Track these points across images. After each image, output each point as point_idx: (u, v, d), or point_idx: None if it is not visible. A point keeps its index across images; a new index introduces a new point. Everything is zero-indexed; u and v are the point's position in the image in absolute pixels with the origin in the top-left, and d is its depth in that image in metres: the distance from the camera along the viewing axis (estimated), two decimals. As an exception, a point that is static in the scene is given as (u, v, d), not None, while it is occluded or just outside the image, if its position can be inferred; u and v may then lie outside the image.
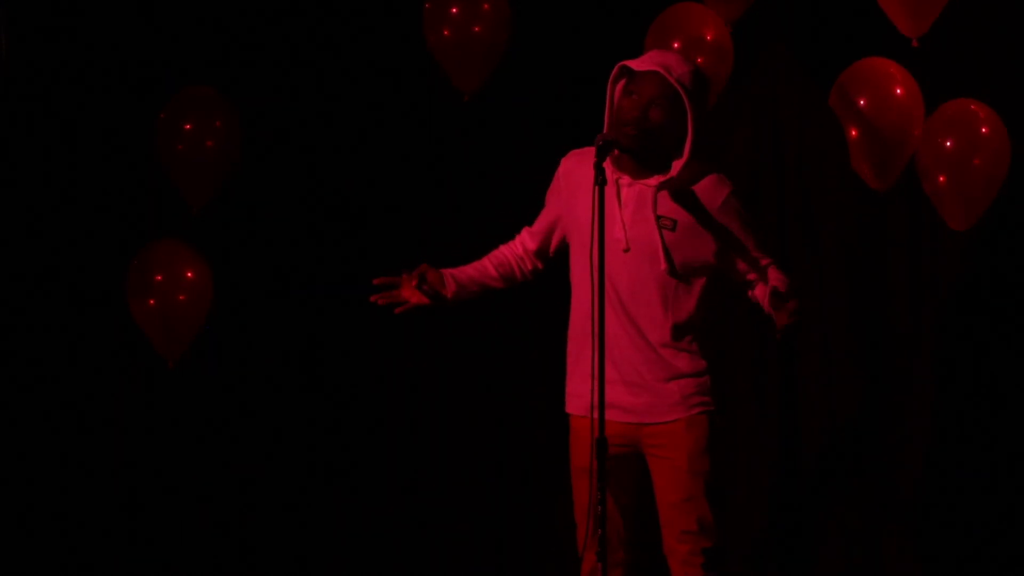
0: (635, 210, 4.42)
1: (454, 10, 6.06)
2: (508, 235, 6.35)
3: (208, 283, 6.23)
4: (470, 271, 4.71)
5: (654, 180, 4.42)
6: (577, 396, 4.52)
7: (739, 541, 6.09)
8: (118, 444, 6.53)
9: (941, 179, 5.71)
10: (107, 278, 6.37)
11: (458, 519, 6.47)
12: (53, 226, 6.47)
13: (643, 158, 4.42)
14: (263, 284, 6.55)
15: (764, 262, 4.52)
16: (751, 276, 4.53)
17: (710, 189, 4.43)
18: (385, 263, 6.48)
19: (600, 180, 4.23)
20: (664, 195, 4.42)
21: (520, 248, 4.72)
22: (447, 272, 4.66)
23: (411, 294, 4.64)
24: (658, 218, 4.41)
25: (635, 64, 4.41)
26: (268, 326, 6.56)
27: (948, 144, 5.69)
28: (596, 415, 4.17)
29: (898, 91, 5.61)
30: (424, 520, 6.51)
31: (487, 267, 4.73)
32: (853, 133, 5.65)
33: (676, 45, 5.73)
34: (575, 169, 4.55)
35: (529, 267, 4.72)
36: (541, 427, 6.18)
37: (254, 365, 6.56)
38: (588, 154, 4.45)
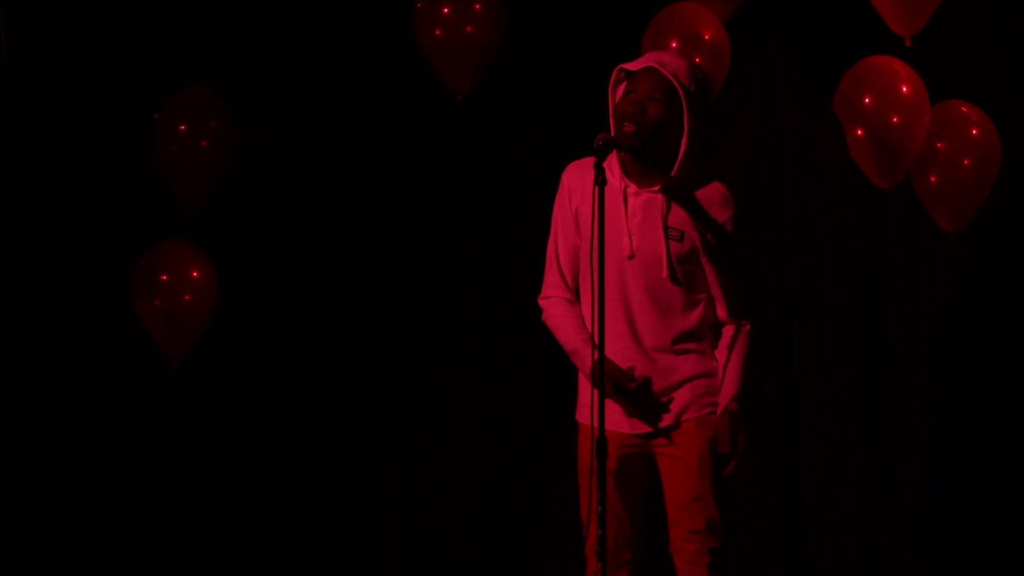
0: (643, 220, 4.42)
1: (446, 10, 6.03)
2: (501, 233, 6.39)
3: (213, 283, 6.23)
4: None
5: (660, 186, 4.41)
6: (588, 407, 4.51)
7: (740, 541, 6.07)
8: (122, 443, 6.51)
9: (932, 179, 5.72)
10: (110, 278, 6.37)
11: (458, 519, 6.46)
12: (55, 227, 6.47)
13: (646, 158, 4.42)
14: (265, 284, 6.55)
15: (737, 310, 4.47)
16: (715, 295, 4.50)
17: (718, 202, 4.44)
18: (384, 261, 6.53)
19: (600, 180, 4.23)
20: (675, 206, 4.41)
21: (563, 300, 4.60)
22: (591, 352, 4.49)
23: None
24: (667, 229, 4.40)
25: (631, 65, 4.44)
26: (271, 326, 6.56)
27: (939, 145, 5.70)
28: (596, 413, 4.18)
29: (904, 89, 5.60)
30: (424, 519, 6.50)
31: (584, 332, 4.56)
32: (859, 132, 5.65)
33: (674, 45, 5.73)
34: (578, 179, 4.53)
35: (579, 309, 4.61)
36: (542, 427, 6.18)
37: (257, 365, 6.56)
38: (588, 163, 4.45)
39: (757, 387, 6.20)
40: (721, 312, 4.49)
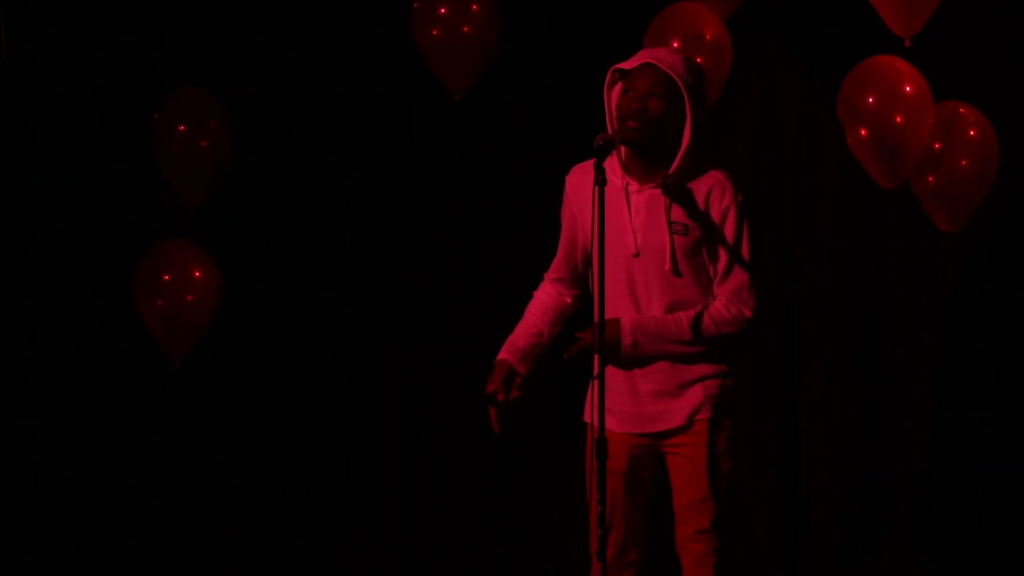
0: (647, 216, 4.42)
1: (443, 10, 6.03)
2: (499, 233, 6.40)
3: (215, 283, 6.24)
4: (527, 348, 4.62)
5: (660, 181, 4.41)
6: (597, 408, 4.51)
7: (741, 541, 6.07)
8: (124, 444, 6.52)
9: (930, 180, 5.72)
10: (111, 278, 6.38)
11: (459, 521, 6.46)
12: (56, 227, 6.47)
13: (648, 154, 4.42)
14: (266, 284, 6.56)
15: (716, 288, 4.47)
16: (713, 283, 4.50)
17: (719, 191, 4.43)
18: (384, 260, 6.53)
19: (600, 180, 4.23)
20: (677, 199, 4.42)
21: (554, 291, 4.67)
22: (509, 362, 4.59)
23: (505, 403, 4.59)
24: (671, 224, 4.40)
25: (627, 64, 4.45)
26: (272, 326, 6.56)
27: (937, 146, 5.70)
28: (596, 413, 4.18)
29: (907, 89, 5.60)
30: (425, 521, 6.50)
31: (542, 331, 4.64)
32: (862, 132, 5.64)
33: (676, 45, 5.73)
34: (580, 181, 4.54)
35: (569, 300, 4.67)
36: (544, 429, 6.18)
37: (259, 365, 6.56)
38: (588, 165, 4.46)
39: (757, 387, 6.24)
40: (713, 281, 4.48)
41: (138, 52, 6.46)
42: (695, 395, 4.47)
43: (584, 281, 4.64)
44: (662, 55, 4.41)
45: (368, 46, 6.53)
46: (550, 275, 4.68)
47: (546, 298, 4.67)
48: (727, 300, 4.44)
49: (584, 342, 4.39)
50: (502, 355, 4.62)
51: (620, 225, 4.42)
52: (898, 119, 5.60)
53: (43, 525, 6.46)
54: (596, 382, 4.24)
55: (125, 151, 6.45)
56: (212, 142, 6.24)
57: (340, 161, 6.57)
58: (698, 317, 4.43)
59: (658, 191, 4.43)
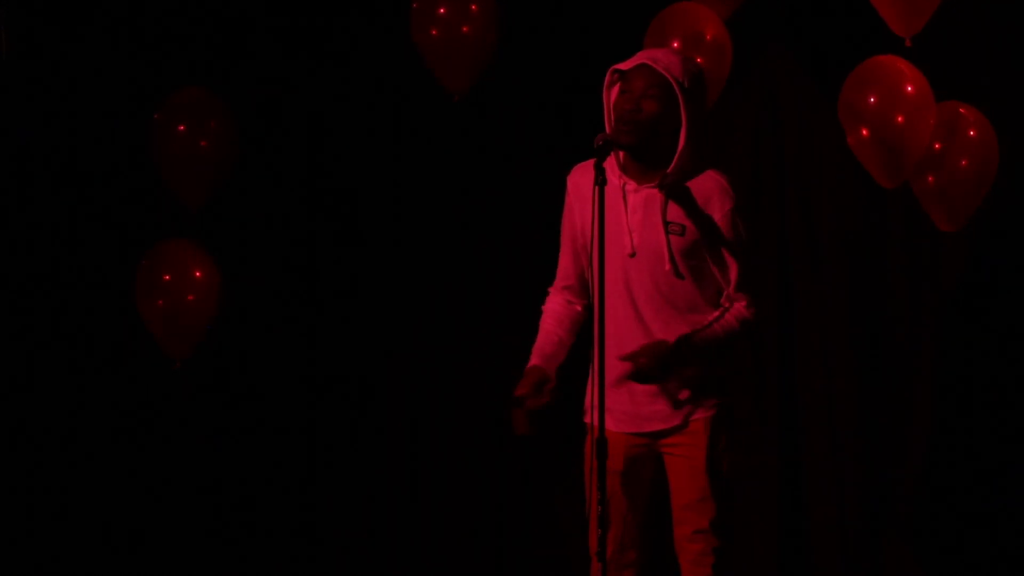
0: (643, 216, 4.42)
1: (442, 10, 6.03)
2: (499, 234, 6.40)
3: (215, 283, 6.24)
4: (555, 353, 4.58)
5: (657, 182, 4.41)
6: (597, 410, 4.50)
7: (741, 541, 6.07)
8: (123, 444, 6.52)
9: (930, 180, 5.72)
10: (111, 279, 6.38)
11: (459, 520, 6.46)
12: (55, 227, 6.48)
13: (644, 155, 4.42)
14: (266, 284, 6.56)
15: (732, 292, 4.47)
16: (722, 289, 4.50)
17: (717, 194, 4.42)
18: (384, 260, 6.54)
19: (600, 180, 4.24)
20: (674, 200, 4.41)
21: (563, 299, 4.65)
22: (543, 368, 4.53)
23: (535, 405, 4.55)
24: (667, 223, 4.40)
25: (625, 64, 4.45)
26: (272, 326, 6.57)
27: (937, 146, 5.69)
28: (596, 413, 4.18)
29: (909, 88, 5.60)
30: (424, 519, 6.50)
31: (562, 338, 4.60)
32: (863, 132, 5.64)
33: (676, 45, 5.73)
34: (581, 180, 4.54)
35: (579, 308, 4.65)
36: (545, 428, 6.17)
37: (259, 365, 6.57)
38: (588, 165, 4.45)
39: (759, 387, 6.24)
40: (723, 299, 4.48)
41: (138, 52, 6.47)
42: (692, 395, 4.47)
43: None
44: (659, 56, 4.41)
45: (368, 46, 6.53)
46: (558, 283, 4.66)
47: (557, 307, 4.64)
48: (746, 303, 4.45)
49: (639, 365, 4.35)
50: (534, 361, 4.56)
51: (617, 225, 4.42)
52: (899, 119, 5.60)
53: (43, 525, 6.46)
54: (596, 382, 4.25)
55: (125, 151, 6.45)
56: (212, 142, 6.24)
57: (339, 161, 6.58)
58: (729, 324, 4.43)
59: (655, 191, 4.43)
